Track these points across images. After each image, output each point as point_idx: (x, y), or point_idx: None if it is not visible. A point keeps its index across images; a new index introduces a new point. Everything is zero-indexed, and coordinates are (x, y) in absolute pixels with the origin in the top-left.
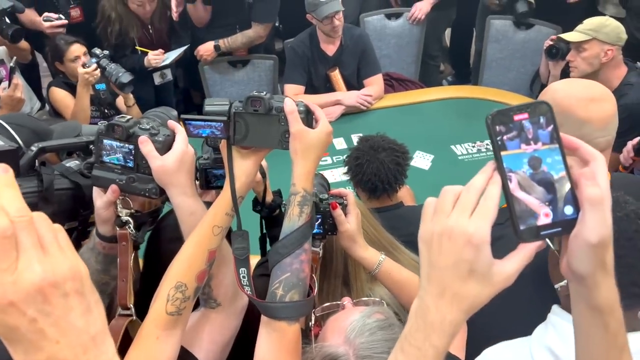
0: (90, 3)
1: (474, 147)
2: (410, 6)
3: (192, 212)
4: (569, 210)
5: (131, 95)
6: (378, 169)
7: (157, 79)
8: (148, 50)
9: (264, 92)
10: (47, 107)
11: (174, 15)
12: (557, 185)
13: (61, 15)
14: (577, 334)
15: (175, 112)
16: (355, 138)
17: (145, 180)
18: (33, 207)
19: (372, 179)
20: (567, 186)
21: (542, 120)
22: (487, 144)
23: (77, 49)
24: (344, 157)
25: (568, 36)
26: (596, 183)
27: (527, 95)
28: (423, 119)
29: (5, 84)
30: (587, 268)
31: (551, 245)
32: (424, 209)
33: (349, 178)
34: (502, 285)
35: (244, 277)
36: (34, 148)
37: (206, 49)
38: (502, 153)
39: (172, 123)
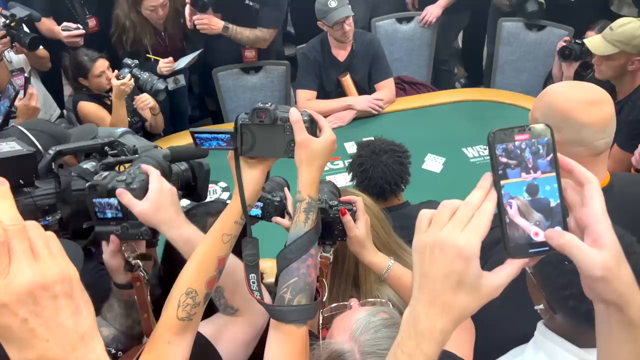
0: (105, 13)
1: (485, 149)
2: (422, 10)
3: (186, 241)
4: (558, 229)
5: (157, 105)
6: (384, 172)
7: (170, 84)
8: (159, 58)
9: (269, 104)
10: (65, 113)
11: (188, 24)
12: (554, 211)
13: (79, 25)
14: (604, 350)
15: (164, 152)
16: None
17: (137, 225)
18: (52, 207)
19: (379, 182)
20: (560, 209)
21: (541, 147)
22: None
23: (101, 64)
24: (346, 165)
25: (594, 47)
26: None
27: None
28: (434, 122)
29: (21, 93)
30: (610, 295)
31: (527, 269)
32: (418, 220)
33: (354, 185)
34: (489, 296)
35: (253, 282)
36: (51, 151)
37: (214, 23)
38: (503, 182)
39: (144, 166)
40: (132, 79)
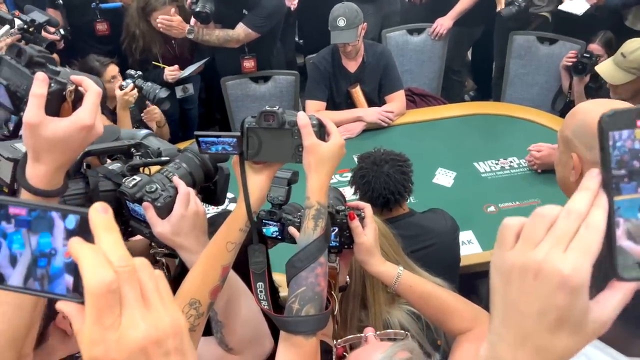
0: (119, 17)
1: (497, 164)
2: (433, 22)
3: None
4: None
5: (163, 117)
6: (386, 182)
7: (179, 93)
8: (165, 66)
9: (277, 107)
10: None
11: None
12: None
13: (60, 30)
14: None
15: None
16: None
17: None
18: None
19: (382, 193)
20: None
21: None
22: (510, 162)
23: (112, 69)
24: (349, 178)
25: (610, 77)
26: None
27: (548, 112)
28: (445, 135)
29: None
30: None
31: None
32: (502, 231)
33: (357, 198)
34: (596, 335)
35: (261, 291)
36: None
37: (179, 27)
38: (616, 198)
39: (176, 180)
40: (135, 89)
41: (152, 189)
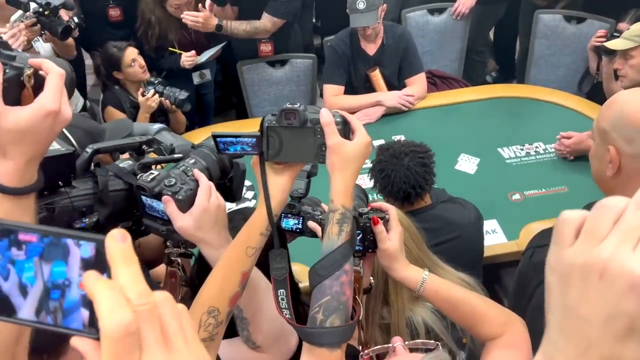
0: (132, 3)
1: (522, 149)
2: (454, 0)
3: None
4: None
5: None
6: (406, 176)
7: (195, 79)
8: (182, 52)
9: (298, 104)
10: (88, 104)
11: None
12: None
13: (74, 18)
14: None
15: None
16: (396, 140)
17: None
18: (88, 209)
19: (402, 187)
20: None
21: None
22: (536, 147)
23: (131, 51)
24: (368, 170)
25: (612, 44)
26: None
27: (575, 94)
28: (468, 119)
29: None
30: None
31: None
32: (559, 225)
33: (376, 191)
34: None
35: (282, 299)
36: (89, 150)
37: (209, 22)
38: None
39: (197, 173)
40: (157, 95)
41: (171, 183)
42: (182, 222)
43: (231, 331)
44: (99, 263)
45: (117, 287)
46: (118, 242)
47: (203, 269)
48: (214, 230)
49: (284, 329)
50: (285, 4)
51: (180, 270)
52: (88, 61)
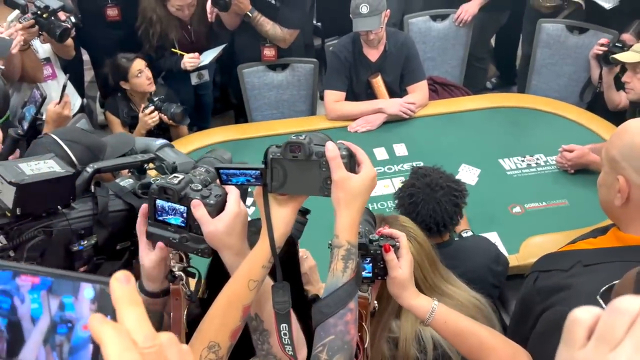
0: (130, 2)
1: (523, 161)
2: (457, 7)
3: None
4: None
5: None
6: (435, 210)
7: (194, 79)
8: (184, 53)
9: (303, 136)
10: (85, 101)
11: (209, 17)
12: None
13: (71, 18)
14: None
15: (229, 155)
16: (397, 148)
17: (198, 241)
18: (87, 230)
19: (426, 220)
20: None
21: None
22: (537, 159)
23: (139, 63)
24: (396, 189)
25: (622, 57)
26: None
27: (576, 104)
28: (468, 129)
29: (54, 102)
30: None
31: None
32: (569, 326)
33: (396, 207)
34: None
35: (285, 334)
36: (89, 169)
37: (245, 2)
38: None
39: None
40: (156, 112)
41: (198, 188)
42: (213, 227)
43: (243, 349)
44: (102, 305)
45: (124, 330)
46: (122, 284)
47: (214, 285)
48: (242, 236)
49: (299, 338)
50: (297, 12)
51: (184, 286)
52: (85, 56)
